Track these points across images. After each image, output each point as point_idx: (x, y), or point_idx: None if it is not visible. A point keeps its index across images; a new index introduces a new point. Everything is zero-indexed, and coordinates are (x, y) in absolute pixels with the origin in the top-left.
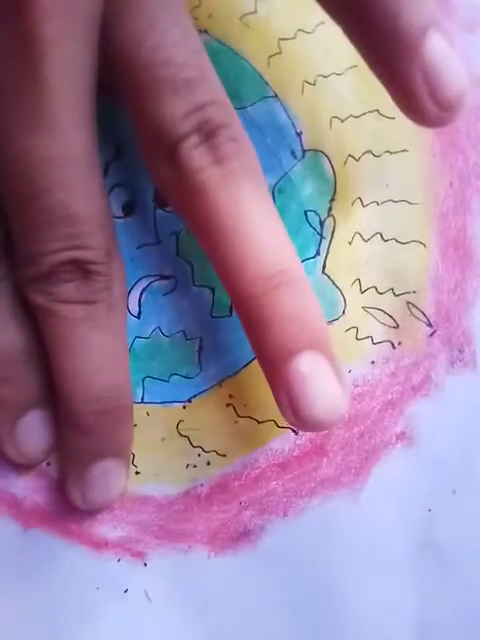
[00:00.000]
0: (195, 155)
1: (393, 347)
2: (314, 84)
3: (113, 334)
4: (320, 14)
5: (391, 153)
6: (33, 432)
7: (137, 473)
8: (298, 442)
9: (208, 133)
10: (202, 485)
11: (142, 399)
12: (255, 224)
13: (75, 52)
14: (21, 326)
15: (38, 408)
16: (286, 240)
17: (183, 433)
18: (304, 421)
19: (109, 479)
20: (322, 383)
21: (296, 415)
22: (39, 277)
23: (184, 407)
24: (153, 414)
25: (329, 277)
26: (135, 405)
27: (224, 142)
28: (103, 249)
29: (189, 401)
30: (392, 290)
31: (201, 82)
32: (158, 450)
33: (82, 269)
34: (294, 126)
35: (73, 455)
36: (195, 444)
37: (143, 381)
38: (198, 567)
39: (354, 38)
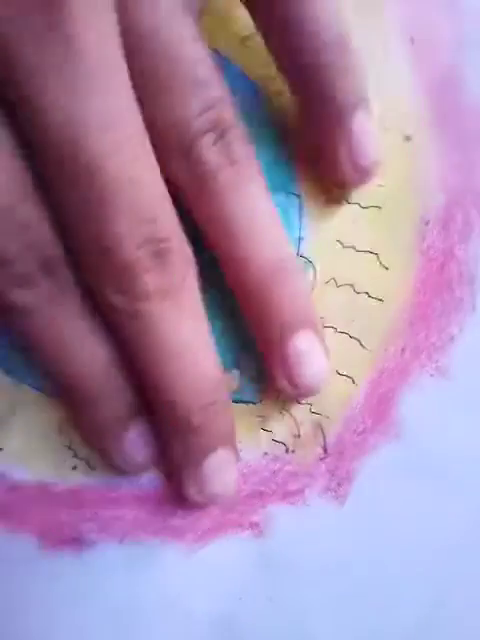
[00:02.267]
0: (211, 154)
1: (286, 452)
2: None
3: (200, 320)
4: None
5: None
6: (140, 441)
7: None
8: (160, 486)
9: (222, 132)
10: (57, 484)
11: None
12: (261, 220)
13: (105, 18)
14: (105, 335)
15: (140, 416)
16: (284, 234)
17: (63, 432)
18: (297, 387)
19: (223, 471)
20: (315, 357)
21: (291, 382)
22: (114, 275)
23: None
24: (48, 402)
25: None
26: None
27: (235, 140)
28: (176, 230)
29: None
30: (311, 405)
31: (213, 79)
32: (39, 437)
33: (159, 254)
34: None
35: (185, 457)
36: (72, 446)
37: None
38: (26, 556)
39: (296, 96)
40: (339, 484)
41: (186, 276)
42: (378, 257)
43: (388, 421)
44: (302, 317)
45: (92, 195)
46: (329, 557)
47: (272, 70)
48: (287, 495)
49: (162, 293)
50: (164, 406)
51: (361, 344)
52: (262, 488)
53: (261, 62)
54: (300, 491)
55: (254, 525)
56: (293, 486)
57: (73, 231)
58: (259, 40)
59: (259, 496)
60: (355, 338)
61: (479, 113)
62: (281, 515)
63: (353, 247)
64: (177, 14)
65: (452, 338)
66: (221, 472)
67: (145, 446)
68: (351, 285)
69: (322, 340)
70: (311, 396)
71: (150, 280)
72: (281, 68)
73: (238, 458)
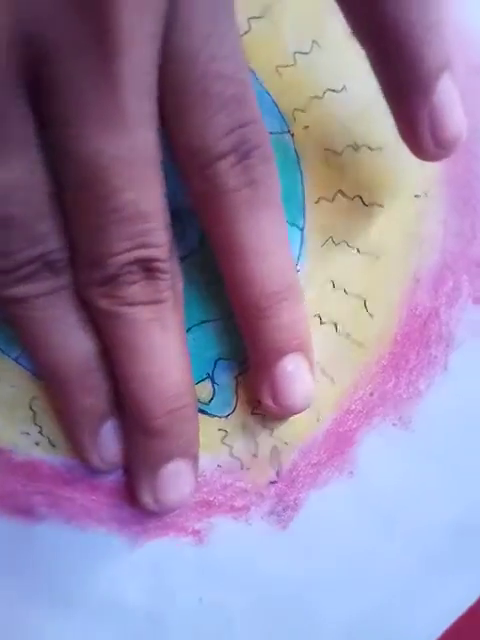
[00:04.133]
0: (231, 175)
1: (240, 468)
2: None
3: (178, 332)
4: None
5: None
6: (114, 438)
7: None
8: (116, 479)
9: (244, 153)
10: (17, 454)
11: (16, 359)
12: (272, 246)
13: (147, 51)
14: (90, 332)
15: (115, 414)
16: (291, 260)
17: (32, 408)
18: (280, 406)
19: (180, 480)
20: (301, 379)
21: (276, 402)
22: (105, 281)
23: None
24: (23, 377)
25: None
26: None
27: (257, 164)
28: (167, 245)
29: None
30: (272, 430)
31: (245, 99)
32: (6, 407)
33: (148, 268)
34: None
35: (144, 460)
36: (37, 422)
37: None
38: None
39: (376, 66)
40: (284, 509)
41: (171, 290)
42: (365, 303)
43: (343, 458)
44: (296, 341)
45: (103, 220)
46: (261, 575)
47: (302, 102)
48: (233, 510)
49: (145, 303)
50: (131, 407)
51: (333, 381)
52: (211, 498)
53: (292, 93)
54: (246, 508)
55: (196, 532)
56: (240, 502)
57: (77, 240)
58: (294, 71)
59: (206, 506)
60: (328, 375)
61: None
62: (223, 528)
63: (343, 289)
64: (221, 22)
65: (419, 392)
66: (177, 482)
67: (117, 445)
68: (334, 324)
69: (311, 365)
70: (294, 415)
71: (137, 291)
72: (366, 44)
73: (197, 472)
